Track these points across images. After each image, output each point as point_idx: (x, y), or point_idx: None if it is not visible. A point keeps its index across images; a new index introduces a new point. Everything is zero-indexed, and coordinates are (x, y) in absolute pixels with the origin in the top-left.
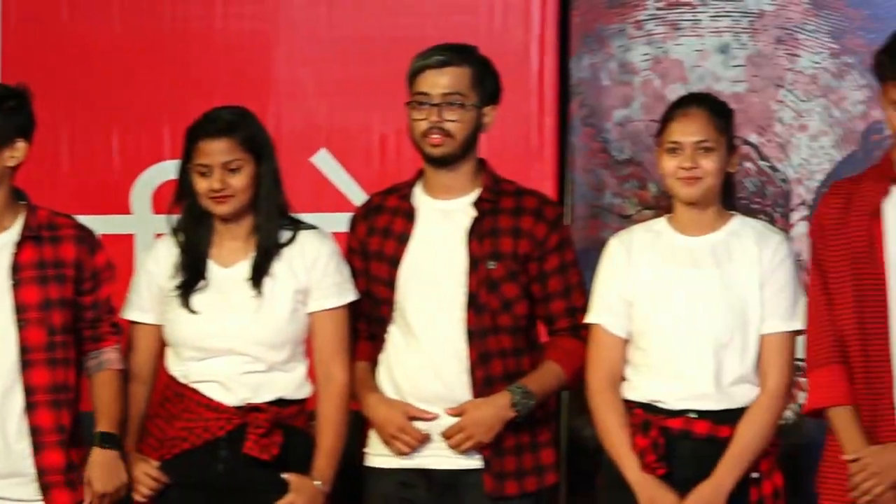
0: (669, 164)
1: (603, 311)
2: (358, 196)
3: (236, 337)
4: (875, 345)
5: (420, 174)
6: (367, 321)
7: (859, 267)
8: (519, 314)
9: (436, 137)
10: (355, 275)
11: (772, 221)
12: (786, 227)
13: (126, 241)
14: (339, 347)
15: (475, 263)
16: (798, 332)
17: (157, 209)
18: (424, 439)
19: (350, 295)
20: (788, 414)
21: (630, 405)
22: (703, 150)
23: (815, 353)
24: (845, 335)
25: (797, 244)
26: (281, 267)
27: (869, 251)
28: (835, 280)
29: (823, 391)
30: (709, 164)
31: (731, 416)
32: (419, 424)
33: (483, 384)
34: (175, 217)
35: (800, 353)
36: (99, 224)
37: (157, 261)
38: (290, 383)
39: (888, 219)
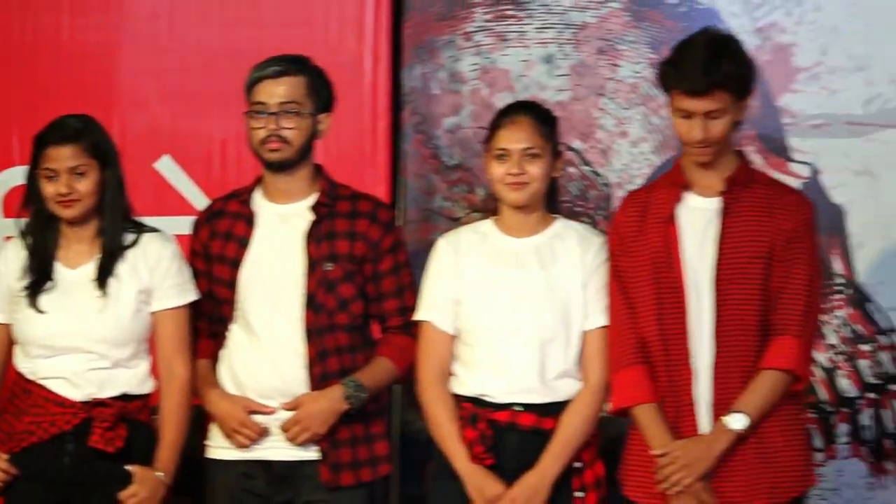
0: (497, 170)
1: (432, 309)
2: (200, 200)
3: (82, 335)
4: (675, 344)
5: (259, 180)
6: (209, 320)
7: (658, 271)
8: (355, 313)
9: (273, 144)
10: (197, 276)
11: (594, 224)
12: (607, 230)
13: None
14: (180, 345)
15: (313, 265)
16: None
17: (7, 213)
18: (264, 432)
19: (191, 295)
20: (609, 406)
21: (459, 399)
22: (529, 156)
23: (619, 354)
24: (647, 337)
25: None
26: (125, 268)
27: (666, 256)
28: (635, 285)
29: (628, 391)
30: (535, 170)
31: (554, 409)
32: (258, 418)
33: (320, 380)
34: (23, 220)
35: None
36: None
37: (6, 263)
38: (134, 379)
39: (682, 224)
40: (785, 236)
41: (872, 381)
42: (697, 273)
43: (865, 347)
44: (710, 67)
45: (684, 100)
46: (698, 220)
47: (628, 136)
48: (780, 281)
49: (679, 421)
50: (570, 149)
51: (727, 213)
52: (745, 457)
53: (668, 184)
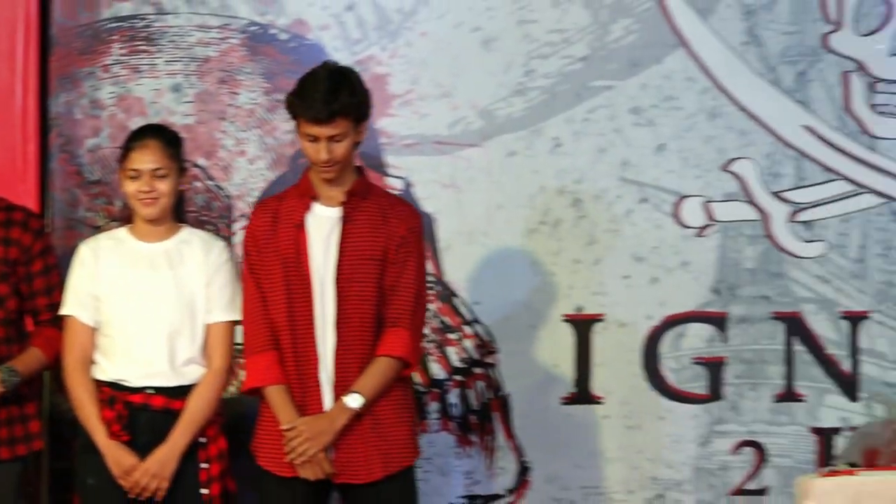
0: (130, 187)
1: (75, 305)
2: None
3: None
4: (302, 334)
5: None
6: None
7: (288, 270)
8: (10, 309)
9: None
10: None
11: (217, 231)
12: (229, 235)
13: None
14: None
15: None
16: (237, 322)
17: None
18: None
19: None
20: (232, 389)
21: (99, 383)
22: (158, 175)
23: (252, 341)
24: (278, 326)
25: (239, 249)
26: None
27: (296, 257)
28: (269, 281)
29: (260, 373)
30: (163, 186)
31: (183, 392)
32: None
33: None
34: None
35: (241, 338)
36: None
37: None
38: None
39: (310, 230)
40: (397, 241)
41: (459, 365)
42: (322, 272)
43: (453, 336)
44: (330, 98)
45: (310, 126)
46: (324, 227)
47: (246, 155)
48: (392, 280)
49: (306, 400)
50: (196, 166)
51: (347, 221)
52: (363, 431)
53: (298, 195)
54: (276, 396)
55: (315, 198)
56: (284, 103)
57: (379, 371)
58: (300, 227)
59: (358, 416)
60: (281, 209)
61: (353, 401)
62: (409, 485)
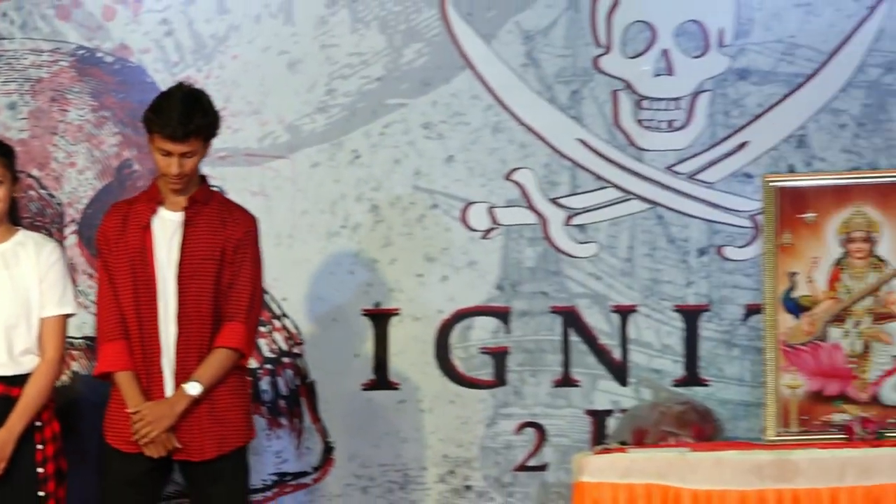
0: None
1: None
2: None
3: None
4: (147, 326)
5: None
6: None
7: (135, 267)
8: None
9: None
10: None
11: (51, 235)
12: (61, 239)
13: None
14: None
15: None
16: (68, 316)
17: None
18: None
19: None
20: (64, 378)
21: None
22: None
23: (105, 331)
24: (127, 318)
25: (70, 251)
26: None
27: (142, 256)
28: (119, 277)
29: (111, 359)
30: None
31: (20, 380)
32: None
33: None
34: None
35: (72, 331)
36: None
37: None
38: None
39: (155, 231)
40: (234, 243)
41: (270, 355)
42: (165, 270)
43: (264, 329)
44: (185, 119)
45: (165, 142)
46: (168, 229)
47: (76, 167)
48: (230, 278)
49: (150, 386)
50: (30, 176)
51: (188, 224)
52: (200, 415)
53: (147, 199)
54: (124, 381)
55: (161, 203)
56: (142, 119)
57: (216, 361)
58: (146, 229)
59: (197, 401)
60: (130, 212)
61: (193, 388)
62: (240, 462)
